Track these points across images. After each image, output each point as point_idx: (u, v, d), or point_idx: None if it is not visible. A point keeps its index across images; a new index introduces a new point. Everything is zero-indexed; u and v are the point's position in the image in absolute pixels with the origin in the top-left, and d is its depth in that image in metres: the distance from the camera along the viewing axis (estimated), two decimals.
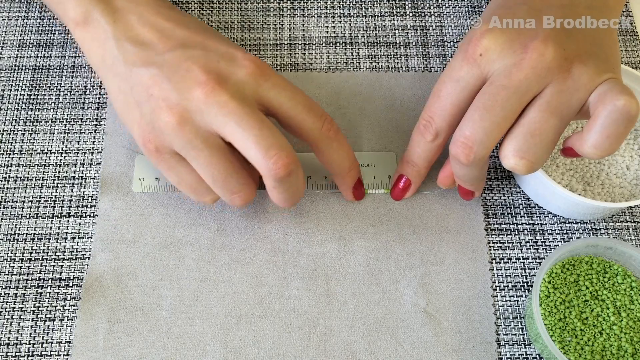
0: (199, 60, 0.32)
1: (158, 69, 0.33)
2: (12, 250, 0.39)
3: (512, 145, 0.32)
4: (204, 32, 0.35)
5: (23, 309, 0.38)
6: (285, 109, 0.33)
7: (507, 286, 0.39)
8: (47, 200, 0.40)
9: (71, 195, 0.41)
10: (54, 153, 0.42)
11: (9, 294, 0.38)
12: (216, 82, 0.31)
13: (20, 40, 0.45)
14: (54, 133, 0.42)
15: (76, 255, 0.39)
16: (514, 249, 0.40)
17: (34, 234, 0.39)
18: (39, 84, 0.44)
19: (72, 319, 0.37)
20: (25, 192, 0.41)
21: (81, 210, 0.40)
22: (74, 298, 0.38)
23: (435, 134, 0.35)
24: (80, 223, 0.40)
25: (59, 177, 0.41)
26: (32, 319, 0.37)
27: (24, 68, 0.44)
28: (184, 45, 0.33)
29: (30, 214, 0.40)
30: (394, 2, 0.48)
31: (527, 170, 0.32)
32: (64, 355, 0.36)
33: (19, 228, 0.40)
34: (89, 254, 0.39)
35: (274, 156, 0.31)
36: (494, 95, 0.31)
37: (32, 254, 0.39)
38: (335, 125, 0.35)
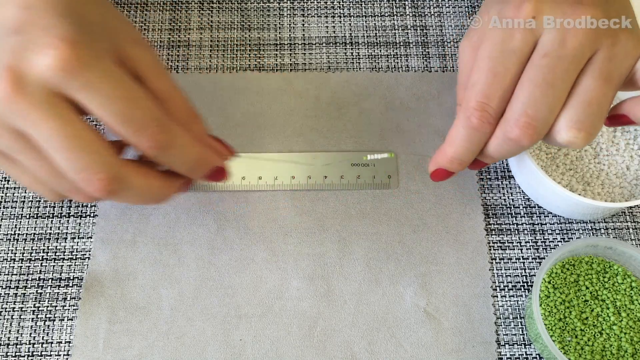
0: (12, 48, 0.26)
1: None
2: (12, 250, 0.39)
3: (568, 116, 0.30)
4: (50, 9, 0.27)
5: (23, 309, 0.38)
6: (99, 116, 0.27)
7: (507, 286, 0.39)
8: (47, 200, 0.40)
9: None
10: None
11: (9, 294, 0.38)
12: (11, 82, 0.25)
13: None
14: None
15: (76, 255, 0.39)
16: (514, 249, 0.40)
17: (34, 234, 0.39)
18: None
19: (72, 319, 0.37)
20: (25, 192, 0.41)
21: (81, 210, 0.40)
22: (74, 298, 0.38)
23: (495, 122, 0.31)
24: (80, 223, 0.40)
25: None
26: (32, 319, 0.37)
27: None
28: (18, 30, 0.26)
29: (30, 214, 0.40)
30: (394, 2, 0.48)
31: (585, 143, 0.30)
32: (64, 355, 0.36)
33: (19, 228, 0.40)
34: (89, 254, 0.39)
35: (86, 180, 0.27)
36: (553, 68, 0.29)
37: (32, 254, 0.39)
38: (158, 140, 0.28)
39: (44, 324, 0.37)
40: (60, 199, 0.31)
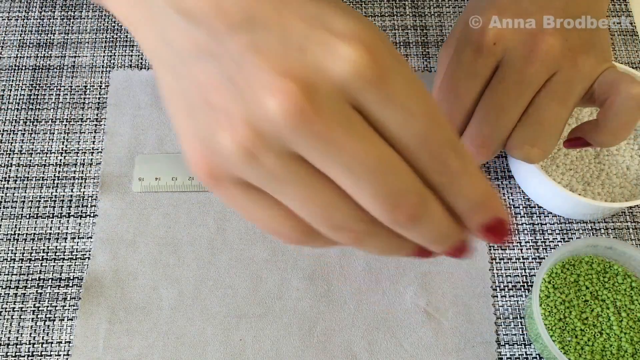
0: (271, 50, 0.20)
1: (215, 62, 0.21)
2: (12, 250, 0.39)
3: (521, 135, 0.32)
4: None
5: (23, 309, 0.38)
6: (396, 136, 0.21)
7: (507, 286, 0.39)
8: (47, 200, 0.40)
9: (71, 195, 0.41)
10: (54, 153, 0.42)
11: (9, 294, 0.38)
12: (302, 96, 0.19)
13: (20, 40, 0.45)
14: (54, 133, 0.42)
15: (76, 255, 0.39)
16: (514, 249, 0.40)
17: (34, 234, 0.40)
18: (39, 84, 0.44)
19: (72, 319, 0.37)
20: (25, 192, 0.41)
21: (81, 210, 0.40)
22: (74, 298, 0.38)
23: (458, 137, 0.34)
24: (80, 223, 0.40)
25: (59, 177, 0.41)
26: (32, 319, 0.37)
27: (24, 68, 0.44)
28: (250, 21, 0.20)
29: (30, 214, 0.40)
30: (394, 2, 0.48)
31: (540, 159, 0.33)
32: (64, 355, 0.36)
33: (19, 228, 0.40)
34: (89, 254, 0.39)
35: (392, 207, 0.21)
36: (508, 93, 0.32)
37: (32, 254, 0.39)
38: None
39: (44, 324, 0.37)
40: (304, 242, 0.24)
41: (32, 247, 0.39)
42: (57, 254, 0.39)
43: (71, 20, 0.46)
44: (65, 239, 0.39)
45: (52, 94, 0.44)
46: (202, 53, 0.21)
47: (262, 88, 0.20)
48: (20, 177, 0.41)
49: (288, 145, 0.20)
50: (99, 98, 0.44)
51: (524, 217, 0.41)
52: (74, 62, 0.45)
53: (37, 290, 0.38)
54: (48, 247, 0.39)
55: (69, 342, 0.37)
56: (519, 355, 0.37)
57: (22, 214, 0.40)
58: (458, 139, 0.24)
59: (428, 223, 0.23)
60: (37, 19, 0.46)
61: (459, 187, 0.23)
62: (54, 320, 0.37)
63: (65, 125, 0.43)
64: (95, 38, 0.46)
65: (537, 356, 0.37)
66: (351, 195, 0.22)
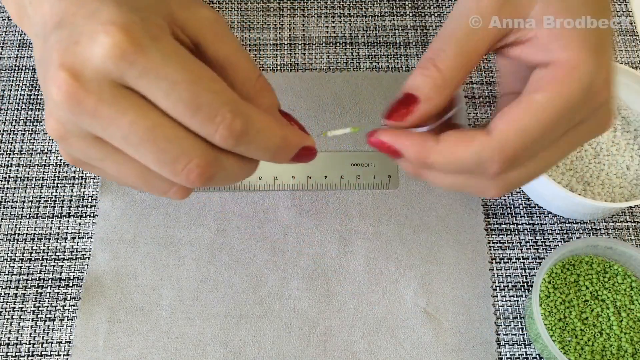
0: (61, 46, 0.23)
1: (41, 63, 0.25)
2: (12, 250, 0.39)
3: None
4: None
5: (23, 309, 0.38)
6: (164, 107, 0.23)
7: (507, 286, 0.39)
8: (47, 200, 0.40)
9: (71, 195, 0.41)
10: (54, 153, 0.42)
11: (9, 294, 0.38)
12: (72, 81, 0.22)
13: (20, 40, 0.45)
14: None
15: (76, 255, 0.39)
16: (514, 249, 0.40)
17: (34, 234, 0.40)
18: (39, 84, 0.44)
19: (72, 319, 0.37)
20: (25, 192, 0.41)
21: (81, 210, 0.40)
22: (74, 298, 0.38)
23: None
24: (80, 223, 0.40)
25: (59, 177, 0.41)
26: (32, 319, 0.37)
27: (24, 68, 0.44)
28: (60, 23, 0.24)
29: (30, 214, 0.40)
30: (394, 2, 0.48)
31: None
32: (64, 355, 0.36)
33: (19, 228, 0.40)
34: (89, 254, 0.39)
35: (182, 171, 0.24)
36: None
37: (32, 254, 0.39)
38: (235, 127, 0.24)
39: (44, 324, 0.37)
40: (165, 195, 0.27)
41: (32, 247, 0.39)
42: (57, 254, 0.39)
43: None
44: (65, 239, 0.39)
45: None
46: (39, 58, 0.25)
47: (50, 80, 0.23)
48: (21, 177, 0.41)
49: (80, 125, 0.23)
50: None
51: (524, 217, 0.41)
52: None
53: (37, 290, 0.38)
54: (48, 247, 0.39)
55: (69, 342, 0.37)
56: (519, 355, 0.37)
57: (22, 214, 0.40)
58: (239, 99, 0.24)
59: (221, 179, 0.25)
60: None
61: (250, 144, 0.25)
62: (54, 320, 0.37)
63: None
64: None
65: (537, 356, 0.37)
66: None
